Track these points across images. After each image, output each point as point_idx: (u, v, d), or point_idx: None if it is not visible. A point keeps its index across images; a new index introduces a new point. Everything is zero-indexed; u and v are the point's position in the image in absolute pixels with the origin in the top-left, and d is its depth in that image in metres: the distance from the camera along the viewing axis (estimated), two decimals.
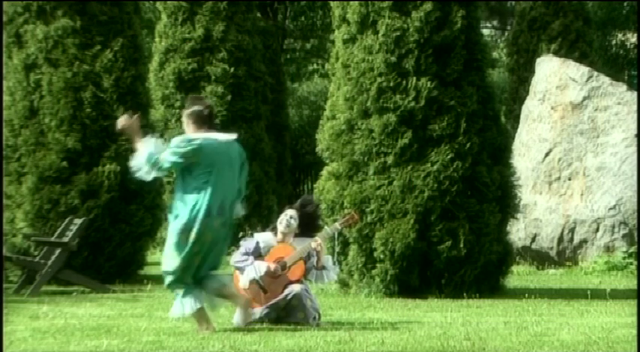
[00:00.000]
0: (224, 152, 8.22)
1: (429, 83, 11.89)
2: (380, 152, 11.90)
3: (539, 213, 17.08)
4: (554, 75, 17.69)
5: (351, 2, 12.31)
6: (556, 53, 23.31)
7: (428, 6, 12.03)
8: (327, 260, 9.06)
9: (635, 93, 17.12)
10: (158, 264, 15.61)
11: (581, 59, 23.31)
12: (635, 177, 16.39)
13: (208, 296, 8.28)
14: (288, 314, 8.70)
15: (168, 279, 8.19)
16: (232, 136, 8.46)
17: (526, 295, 11.49)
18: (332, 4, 12.78)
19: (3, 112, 14.25)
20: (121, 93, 14.42)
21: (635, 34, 36.34)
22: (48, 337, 7.90)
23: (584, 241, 16.69)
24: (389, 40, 11.99)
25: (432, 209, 11.70)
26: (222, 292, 8.29)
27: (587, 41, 27.22)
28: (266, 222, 19.75)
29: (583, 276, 15.45)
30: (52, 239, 12.99)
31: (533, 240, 17.11)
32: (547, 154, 17.35)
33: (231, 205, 8.23)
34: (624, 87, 17.42)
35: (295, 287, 8.70)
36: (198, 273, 8.19)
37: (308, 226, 9.05)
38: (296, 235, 8.99)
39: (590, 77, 17.35)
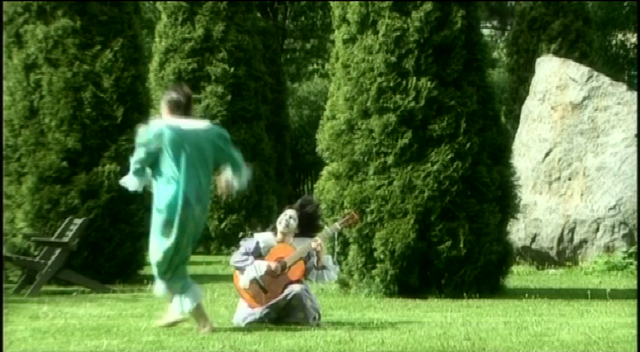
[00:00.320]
0: (192, 139, 8.18)
1: (429, 83, 11.89)
2: (380, 152, 11.90)
3: (539, 213, 17.08)
4: (554, 75, 17.69)
5: (351, 2, 12.31)
6: (556, 53, 23.32)
7: (428, 6, 12.03)
8: (328, 259, 9.06)
9: (635, 93, 17.11)
10: None
11: (581, 59, 23.31)
12: (635, 177, 16.39)
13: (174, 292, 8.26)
14: (288, 314, 8.70)
15: (156, 270, 8.19)
16: (204, 123, 8.44)
17: (526, 295, 11.49)
18: (332, 4, 12.78)
19: (3, 112, 14.25)
20: (121, 93, 14.42)
21: (635, 34, 36.34)
22: (48, 337, 7.90)
23: (584, 241, 16.69)
24: (389, 40, 11.99)
25: (432, 209, 11.70)
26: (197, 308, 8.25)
27: (587, 41, 27.23)
28: (266, 222, 19.76)
29: (583, 276, 15.45)
30: (52, 239, 12.99)
31: (533, 240, 17.11)
32: (547, 154, 17.35)
33: (207, 192, 8.27)
34: (624, 87, 17.41)
35: (295, 287, 8.70)
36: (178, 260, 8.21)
37: (308, 226, 9.05)
38: (296, 235, 8.99)
39: (590, 77, 17.34)
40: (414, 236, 11.59)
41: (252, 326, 8.49)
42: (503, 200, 12.21)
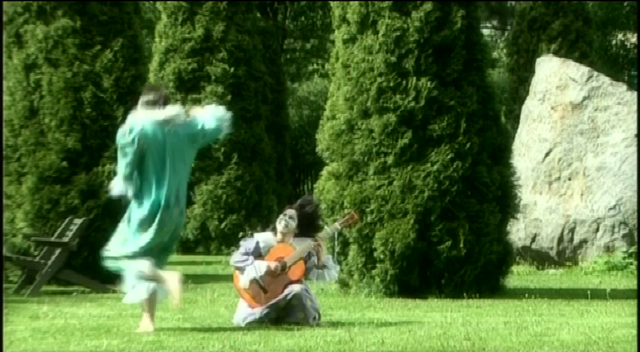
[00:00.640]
0: (173, 140, 8.22)
1: (429, 83, 11.89)
2: (380, 152, 11.89)
3: (539, 213, 17.08)
4: (554, 75, 17.69)
5: (351, 2, 12.30)
6: (556, 53, 23.32)
7: (428, 6, 12.03)
8: (328, 259, 9.07)
9: (635, 93, 17.11)
10: None
11: (581, 59, 23.32)
12: (635, 177, 16.38)
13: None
14: (288, 314, 8.69)
15: (118, 254, 8.20)
16: (178, 114, 8.41)
17: (526, 295, 11.49)
18: (332, 4, 12.78)
19: (3, 112, 14.25)
20: (121, 93, 14.41)
21: (635, 34, 36.34)
22: (48, 337, 7.90)
23: (584, 241, 16.69)
24: (389, 40, 11.99)
25: (432, 209, 11.70)
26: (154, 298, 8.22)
27: (587, 41, 27.24)
28: (266, 222, 19.77)
29: (583, 276, 15.45)
30: (52, 239, 12.99)
31: (533, 240, 17.11)
32: (547, 154, 17.34)
33: (184, 193, 8.31)
34: (624, 87, 17.41)
35: (295, 287, 8.69)
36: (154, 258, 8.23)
37: (308, 226, 9.04)
38: (296, 235, 8.99)
39: (590, 77, 17.34)
40: (414, 236, 11.59)
41: (252, 326, 8.49)
42: (503, 200, 12.21)
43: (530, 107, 18.11)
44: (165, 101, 8.38)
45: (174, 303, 8.22)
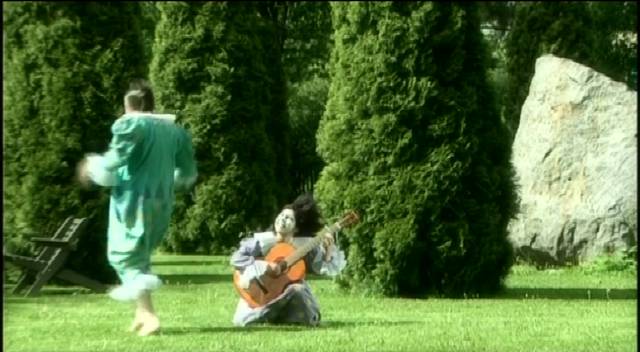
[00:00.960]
0: (160, 133, 8.26)
1: (429, 83, 11.89)
2: (380, 152, 11.90)
3: (539, 213, 17.08)
4: (554, 75, 17.69)
5: (351, 2, 12.31)
6: (556, 53, 23.32)
7: (428, 6, 12.03)
8: (333, 250, 9.06)
9: (635, 93, 17.11)
10: (158, 263, 15.61)
11: (581, 59, 23.32)
12: (635, 177, 16.39)
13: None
14: (288, 314, 8.70)
15: (122, 258, 8.15)
16: (170, 117, 8.48)
17: (526, 295, 11.49)
18: (332, 4, 12.78)
19: (3, 112, 14.25)
20: (121, 94, 14.33)
21: (635, 34, 36.34)
22: (48, 337, 7.90)
23: (584, 241, 16.69)
24: (389, 40, 11.99)
25: (432, 209, 11.70)
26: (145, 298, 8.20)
27: (587, 41, 27.25)
28: (266, 222, 19.76)
29: (583, 276, 15.45)
30: (52, 239, 12.99)
31: (533, 240, 17.11)
32: (547, 154, 17.34)
33: (170, 188, 8.28)
34: (624, 87, 17.41)
35: (295, 287, 8.70)
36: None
37: (307, 225, 9.04)
38: (296, 234, 8.99)
39: (590, 77, 17.34)
40: (414, 236, 11.59)
41: (252, 326, 8.50)
42: (503, 200, 12.21)
43: (530, 107, 18.11)
44: (148, 95, 8.38)
45: (138, 330, 8.09)
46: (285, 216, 8.95)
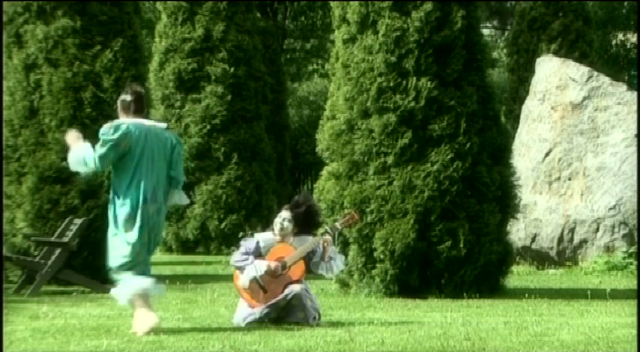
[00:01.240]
0: (152, 138, 8.26)
1: (429, 83, 11.89)
2: (380, 152, 11.90)
3: (539, 213, 17.08)
4: (554, 75, 17.69)
5: (351, 2, 12.31)
6: (556, 53, 23.33)
7: (428, 6, 12.03)
8: (332, 250, 9.06)
9: (635, 93, 17.11)
10: (158, 263, 15.61)
11: (581, 59, 23.33)
12: (635, 177, 16.39)
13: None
14: (288, 314, 8.70)
15: (120, 262, 8.15)
16: (162, 124, 8.50)
17: (526, 295, 11.49)
18: (332, 4, 12.78)
19: (3, 112, 14.25)
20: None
21: (635, 34, 36.35)
22: (48, 337, 7.90)
23: (584, 241, 16.69)
24: (389, 40, 11.99)
25: (432, 209, 11.70)
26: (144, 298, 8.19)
27: (587, 41, 27.26)
28: (266, 222, 19.76)
29: (583, 276, 15.45)
30: (52, 239, 12.99)
31: (533, 240, 17.11)
32: (547, 154, 17.35)
33: (164, 192, 8.28)
34: (624, 87, 17.41)
35: (295, 287, 8.70)
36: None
37: (306, 224, 9.03)
38: (296, 233, 8.99)
39: (590, 77, 17.35)
40: (414, 236, 11.59)
41: (252, 326, 8.49)
42: (503, 200, 12.21)
43: (530, 107, 18.11)
44: (138, 100, 8.37)
45: (137, 330, 8.07)
46: (283, 219, 8.95)
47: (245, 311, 8.79)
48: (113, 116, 14.06)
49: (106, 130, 8.19)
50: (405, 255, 11.61)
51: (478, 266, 11.80)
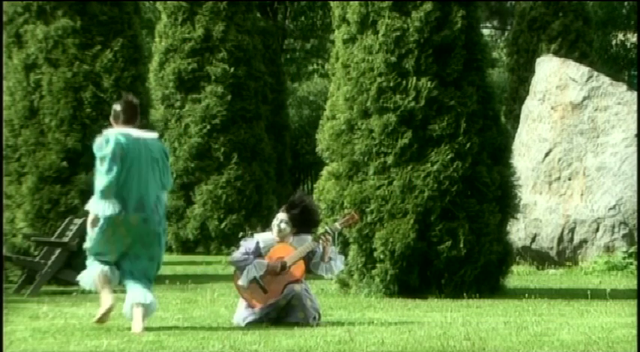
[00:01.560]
0: (141, 148, 8.26)
1: (429, 83, 11.89)
2: (380, 152, 11.90)
3: (539, 213, 17.08)
4: (554, 75, 17.69)
5: (351, 2, 12.31)
6: (556, 53, 23.32)
7: (428, 6, 12.03)
8: (332, 251, 9.06)
9: (635, 93, 17.11)
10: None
11: (581, 59, 23.32)
12: (635, 177, 16.38)
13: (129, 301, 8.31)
14: (288, 314, 8.69)
15: (91, 252, 8.38)
16: (152, 134, 8.50)
17: (526, 295, 11.49)
18: (332, 4, 12.78)
19: (3, 112, 14.25)
20: (121, 94, 14.41)
21: (635, 34, 36.35)
22: (48, 337, 7.90)
23: (584, 241, 16.69)
24: (389, 40, 11.99)
25: (432, 209, 11.70)
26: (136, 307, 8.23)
27: (587, 41, 27.26)
28: (266, 222, 19.75)
29: (583, 276, 15.45)
30: (52, 239, 12.99)
31: (533, 240, 17.10)
32: (547, 154, 17.34)
33: (156, 202, 8.27)
34: (624, 87, 17.41)
35: (295, 287, 8.69)
36: (126, 266, 8.32)
37: (304, 223, 9.02)
38: (295, 233, 8.98)
39: (590, 77, 17.34)
40: (413, 236, 11.59)
41: (252, 326, 8.49)
42: (503, 200, 12.21)
43: (530, 107, 18.10)
44: (129, 109, 8.38)
45: (136, 330, 8.12)
46: (280, 221, 8.94)
47: (245, 311, 8.78)
48: None
49: (99, 146, 8.20)
50: (405, 255, 11.61)
51: (478, 266, 11.80)
